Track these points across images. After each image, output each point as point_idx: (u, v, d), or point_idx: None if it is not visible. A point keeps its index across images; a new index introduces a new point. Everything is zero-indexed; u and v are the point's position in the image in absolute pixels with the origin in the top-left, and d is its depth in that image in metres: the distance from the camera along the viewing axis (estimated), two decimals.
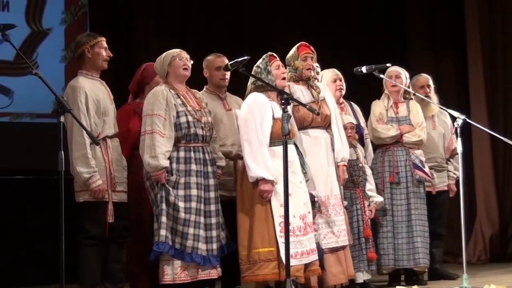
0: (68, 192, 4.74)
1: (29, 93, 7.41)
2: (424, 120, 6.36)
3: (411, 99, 6.44)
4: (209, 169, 5.13)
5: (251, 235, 5.01)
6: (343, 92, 6.17)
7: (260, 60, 5.30)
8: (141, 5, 8.28)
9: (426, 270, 6.28)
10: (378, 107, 6.37)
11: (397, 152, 6.23)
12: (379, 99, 6.45)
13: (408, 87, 6.36)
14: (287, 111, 4.78)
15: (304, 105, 5.12)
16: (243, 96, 5.45)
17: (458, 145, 5.45)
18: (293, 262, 4.90)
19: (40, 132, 7.21)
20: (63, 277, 4.17)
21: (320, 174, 5.42)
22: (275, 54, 5.34)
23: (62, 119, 4.22)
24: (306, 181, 5.25)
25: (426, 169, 6.27)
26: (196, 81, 5.69)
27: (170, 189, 4.98)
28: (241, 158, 5.50)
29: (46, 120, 7.43)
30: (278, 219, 4.96)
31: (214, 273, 5.08)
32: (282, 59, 5.47)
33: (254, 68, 5.29)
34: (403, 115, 6.31)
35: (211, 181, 5.13)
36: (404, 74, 6.33)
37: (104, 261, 5.09)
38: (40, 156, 7.03)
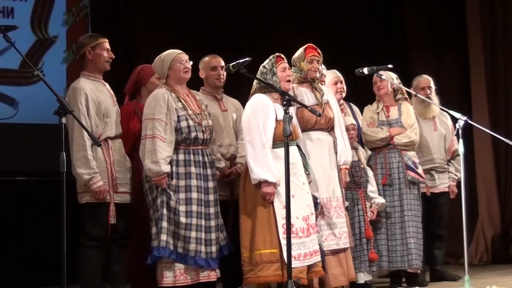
0: (70, 193, 4.75)
1: (34, 103, 7.39)
2: (415, 122, 6.35)
3: (406, 98, 6.41)
4: (209, 171, 5.13)
5: (253, 237, 5.01)
6: (344, 95, 6.17)
7: (267, 61, 5.28)
8: (141, 7, 8.28)
9: (419, 271, 6.26)
10: (368, 111, 6.38)
11: (390, 154, 6.23)
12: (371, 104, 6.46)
13: (397, 88, 6.33)
14: (288, 112, 4.78)
15: (306, 106, 5.12)
16: (242, 96, 5.44)
17: (460, 146, 5.45)
18: (296, 263, 4.91)
19: (42, 133, 7.20)
20: (65, 279, 4.17)
21: (322, 176, 5.41)
22: (282, 56, 5.32)
23: (63, 120, 4.22)
24: (309, 182, 5.25)
25: (420, 170, 6.26)
26: (196, 82, 5.70)
27: (171, 193, 4.97)
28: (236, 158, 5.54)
29: (47, 121, 7.42)
30: (281, 220, 4.96)
31: (213, 275, 5.08)
32: None
33: (260, 68, 5.28)
34: (394, 117, 6.30)
35: (211, 184, 5.12)
36: (390, 76, 6.30)
37: (105, 262, 5.08)
38: (42, 157, 7.03)
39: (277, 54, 5.30)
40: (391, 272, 6.20)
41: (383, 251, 6.10)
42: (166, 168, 4.94)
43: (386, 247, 6.11)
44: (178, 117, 5.04)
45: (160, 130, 4.96)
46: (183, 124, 5.04)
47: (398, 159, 6.20)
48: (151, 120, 4.99)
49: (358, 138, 6.18)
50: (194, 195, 5.01)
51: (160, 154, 4.93)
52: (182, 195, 4.99)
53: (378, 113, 6.33)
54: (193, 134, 5.06)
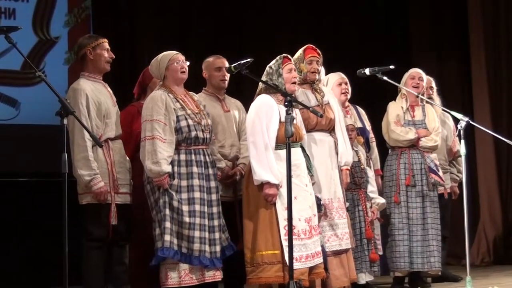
0: (72, 194, 4.75)
1: (35, 104, 7.39)
2: (439, 125, 6.34)
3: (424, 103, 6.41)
4: (210, 171, 5.11)
5: (255, 238, 5.00)
6: (349, 96, 6.14)
7: (274, 61, 5.25)
8: (144, 8, 8.29)
9: (440, 273, 6.25)
10: (395, 109, 6.32)
11: (413, 155, 6.21)
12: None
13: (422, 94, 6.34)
14: (290, 113, 4.76)
15: (307, 107, 5.11)
16: (244, 97, 5.43)
17: (462, 147, 5.44)
18: (297, 265, 4.90)
19: (43, 134, 7.21)
20: (67, 280, 4.17)
21: (323, 177, 5.40)
22: (289, 57, 5.29)
23: (65, 121, 4.23)
24: (313, 184, 5.24)
25: (440, 173, 6.26)
26: (198, 83, 5.70)
27: (173, 193, 4.96)
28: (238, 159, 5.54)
29: (49, 122, 7.42)
30: (283, 222, 4.95)
31: (218, 275, 5.07)
32: None
33: (267, 68, 5.24)
34: (419, 119, 6.28)
35: (212, 183, 5.11)
36: (424, 78, 6.33)
37: (107, 263, 5.08)
38: (44, 158, 7.03)
39: (284, 55, 5.26)
40: (407, 273, 6.19)
41: (405, 252, 6.08)
42: (167, 168, 4.94)
43: (408, 248, 6.09)
44: (177, 117, 5.03)
45: (159, 130, 4.95)
46: (183, 123, 5.03)
47: (421, 161, 6.18)
48: (150, 121, 4.98)
49: (364, 139, 6.15)
50: (197, 194, 5.00)
51: (160, 154, 4.92)
52: (184, 195, 4.98)
53: (404, 112, 6.29)
54: (193, 133, 5.05)
